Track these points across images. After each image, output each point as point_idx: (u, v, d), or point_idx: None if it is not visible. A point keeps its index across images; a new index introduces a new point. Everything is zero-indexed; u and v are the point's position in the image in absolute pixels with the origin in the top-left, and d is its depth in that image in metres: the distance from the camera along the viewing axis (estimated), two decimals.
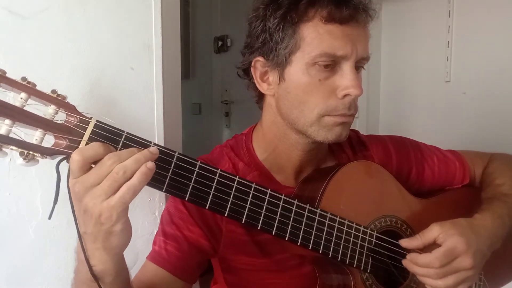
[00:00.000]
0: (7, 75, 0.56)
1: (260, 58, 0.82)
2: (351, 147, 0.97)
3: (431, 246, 0.77)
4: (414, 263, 0.77)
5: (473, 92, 1.65)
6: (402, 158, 0.98)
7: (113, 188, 0.57)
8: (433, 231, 0.77)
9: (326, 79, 0.77)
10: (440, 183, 1.01)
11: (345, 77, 0.77)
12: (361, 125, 1.92)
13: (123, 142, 0.61)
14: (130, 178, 0.57)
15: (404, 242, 0.81)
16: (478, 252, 0.77)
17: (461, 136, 1.67)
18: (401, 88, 1.93)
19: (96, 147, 0.58)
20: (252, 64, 0.83)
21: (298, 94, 0.79)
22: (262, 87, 0.84)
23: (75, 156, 0.57)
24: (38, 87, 0.58)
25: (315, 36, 0.75)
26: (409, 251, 0.84)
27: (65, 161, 0.61)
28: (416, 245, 0.79)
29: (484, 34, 1.61)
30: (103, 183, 0.57)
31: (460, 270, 0.75)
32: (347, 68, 0.77)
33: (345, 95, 0.78)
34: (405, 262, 0.79)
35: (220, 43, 2.80)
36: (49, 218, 0.62)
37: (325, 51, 0.75)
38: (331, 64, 0.77)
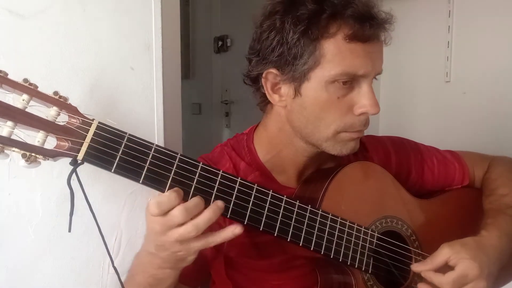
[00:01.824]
0: (9, 76, 0.56)
1: (274, 70, 0.78)
2: None
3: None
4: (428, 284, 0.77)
5: (473, 92, 1.65)
6: (402, 159, 0.98)
7: (181, 240, 0.64)
8: (443, 254, 0.76)
9: (344, 96, 0.77)
10: (440, 184, 1.00)
11: (363, 95, 0.77)
12: None
13: (125, 144, 0.61)
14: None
15: (416, 267, 0.80)
16: (490, 275, 0.76)
17: (461, 136, 1.67)
18: (401, 88, 1.92)
19: (172, 200, 0.62)
20: (264, 75, 0.80)
21: (315, 110, 0.77)
22: (273, 99, 0.81)
23: (154, 208, 0.61)
24: (39, 89, 0.58)
25: (336, 54, 0.74)
26: (411, 257, 0.84)
27: (67, 161, 0.60)
28: (428, 269, 0.78)
29: (484, 34, 1.60)
30: (176, 235, 0.63)
31: None
32: (365, 86, 0.77)
33: (362, 113, 0.78)
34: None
35: (220, 43, 2.80)
36: (69, 230, 0.65)
37: (346, 70, 0.74)
38: (349, 81, 0.76)
